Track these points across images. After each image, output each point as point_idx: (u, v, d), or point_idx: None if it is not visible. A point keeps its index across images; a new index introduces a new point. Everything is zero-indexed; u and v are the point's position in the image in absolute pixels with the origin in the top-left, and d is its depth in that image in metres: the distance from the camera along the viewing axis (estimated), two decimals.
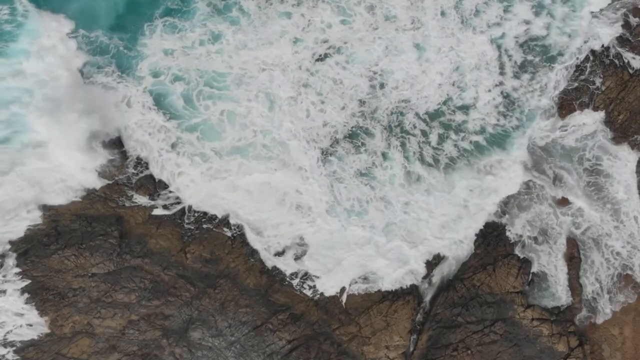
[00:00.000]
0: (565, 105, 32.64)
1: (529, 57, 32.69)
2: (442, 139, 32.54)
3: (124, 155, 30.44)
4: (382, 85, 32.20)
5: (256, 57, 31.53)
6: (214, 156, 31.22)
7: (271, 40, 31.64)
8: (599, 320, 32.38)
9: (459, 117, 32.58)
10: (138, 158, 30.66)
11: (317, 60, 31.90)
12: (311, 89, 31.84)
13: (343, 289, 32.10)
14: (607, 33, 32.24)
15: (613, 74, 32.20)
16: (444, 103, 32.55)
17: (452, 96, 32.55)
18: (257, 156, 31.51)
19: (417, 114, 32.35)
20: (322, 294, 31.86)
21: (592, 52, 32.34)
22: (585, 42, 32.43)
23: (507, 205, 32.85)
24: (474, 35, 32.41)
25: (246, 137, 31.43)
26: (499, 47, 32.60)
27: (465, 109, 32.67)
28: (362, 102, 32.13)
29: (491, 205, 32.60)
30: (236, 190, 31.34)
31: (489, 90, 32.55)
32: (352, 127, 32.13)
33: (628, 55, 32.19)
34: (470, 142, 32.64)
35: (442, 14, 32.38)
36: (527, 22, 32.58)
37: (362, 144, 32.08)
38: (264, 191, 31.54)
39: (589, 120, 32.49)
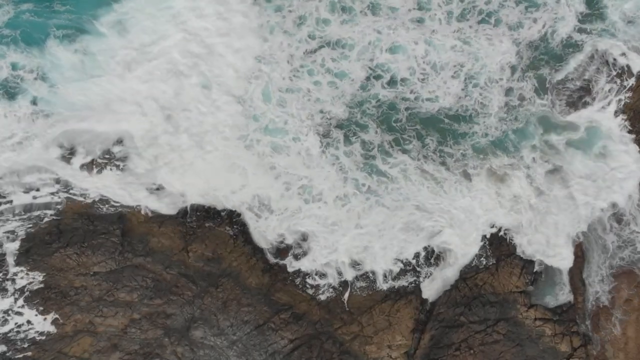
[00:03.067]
0: (571, 106, 32.56)
1: (536, 58, 32.58)
2: (449, 139, 32.46)
3: (126, 153, 30.39)
4: (377, 78, 31.98)
5: (249, 47, 31.41)
6: (210, 141, 31.14)
7: (265, 34, 31.50)
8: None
9: (464, 118, 32.48)
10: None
11: (313, 52, 31.65)
12: (306, 78, 31.65)
13: (345, 288, 32.05)
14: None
15: (618, 74, 32.09)
16: (450, 104, 32.42)
17: (459, 97, 32.42)
18: (255, 142, 31.45)
19: (419, 114, 32.26)
20: (325, 291, 31.85)
21: (597, 50, 32.22)
22: (591, 42, 32.37)
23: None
24: (487, 37, 32.21)
25: (244, 124, 31.40)
26: (511, 47, 32.43)
27: (471, 110, 32.56)
28: (360, 96, 32.00)
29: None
30: (234, 175, 31.35)
31: (496, 96, 32.50)
32: (349, 120, 32.00)
33: (632, 55, 32.08)
34: (476, 144, 32.57)
35: (452, 13, 32.17)
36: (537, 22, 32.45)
37: (356, 136, 31.98)
38: (263, 177, 31.54)
39: (593, 119, 32.50)
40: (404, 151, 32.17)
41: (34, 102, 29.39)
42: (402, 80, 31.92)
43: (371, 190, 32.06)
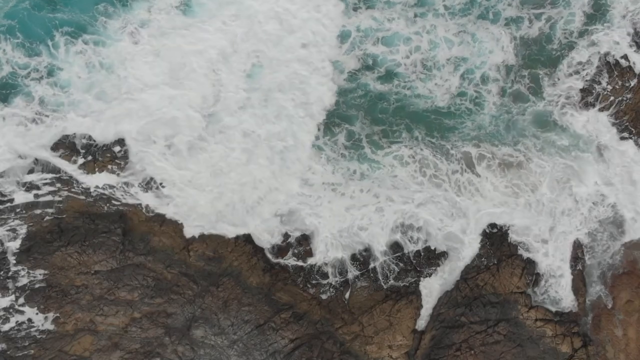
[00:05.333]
0: (573, 106, 32.53)
1: (536, 56, 32.58)
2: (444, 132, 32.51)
3: (127, 153, 30.40)
4: (369, 69, 32.07)
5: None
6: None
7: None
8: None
9: (457, 113, 32.48)
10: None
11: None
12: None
13: (346, 288, 32.02)
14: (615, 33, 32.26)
15: (619, 74, 32.08)
16: (445, 99, 32.44)
17: (455, 92, 32.44)
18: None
19: (408, 107, 32.33)
20: (326, 290, 31.83)
21: (599, 51, 32.20)
22: (594, 43, 32.34)
23: None
24: (487, 32, 32.22)
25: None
26: (511, 44, 32.43)
27: (464, 107, 32.57)
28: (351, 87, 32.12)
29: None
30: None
31: (494, 91, 32.51)
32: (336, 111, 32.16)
33: (634, 56, 32.06)
34: (466, 136, 32.54)
35: (454, 7, 32.14)
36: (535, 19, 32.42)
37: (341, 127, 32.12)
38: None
39: (595, 119, 32.48)
40: (393, 142, 32.27)
41: (37, 100, 29.44)
42: (396, 74, 31.99)
43: (365, 176, 32.05)
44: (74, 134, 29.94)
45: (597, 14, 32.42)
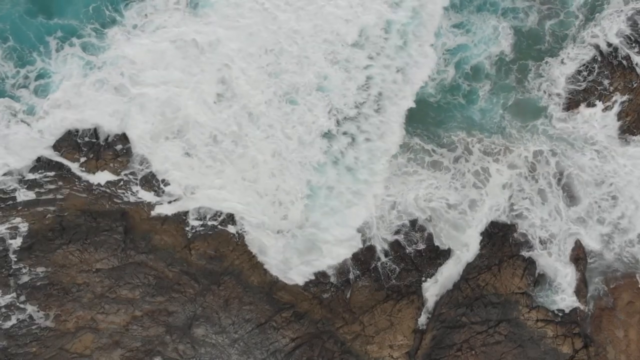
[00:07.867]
0: (573, 105, 32.56)
1: (535, 53, 32.65)
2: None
3: (129, 151, 30.41)
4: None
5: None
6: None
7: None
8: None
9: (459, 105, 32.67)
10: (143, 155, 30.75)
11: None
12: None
13: (347, 287, 32.02)
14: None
15: (621, 76, 32.09)
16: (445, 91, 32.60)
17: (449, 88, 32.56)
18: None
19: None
20: (328, 290, 31.85)
21: (600, 52, 32.20)
22: (595, 42, 32.37)
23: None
24: (485, 24, 32.27)
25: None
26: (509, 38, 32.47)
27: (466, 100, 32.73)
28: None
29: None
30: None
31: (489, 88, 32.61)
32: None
33: (636, 57, 32.06)
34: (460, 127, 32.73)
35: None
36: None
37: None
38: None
39: (596, 120, 32.50)
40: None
41: (37, 100, 29.55)
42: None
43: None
44: (77, 131, 29.96)
45: (598, 13, 32.43)
